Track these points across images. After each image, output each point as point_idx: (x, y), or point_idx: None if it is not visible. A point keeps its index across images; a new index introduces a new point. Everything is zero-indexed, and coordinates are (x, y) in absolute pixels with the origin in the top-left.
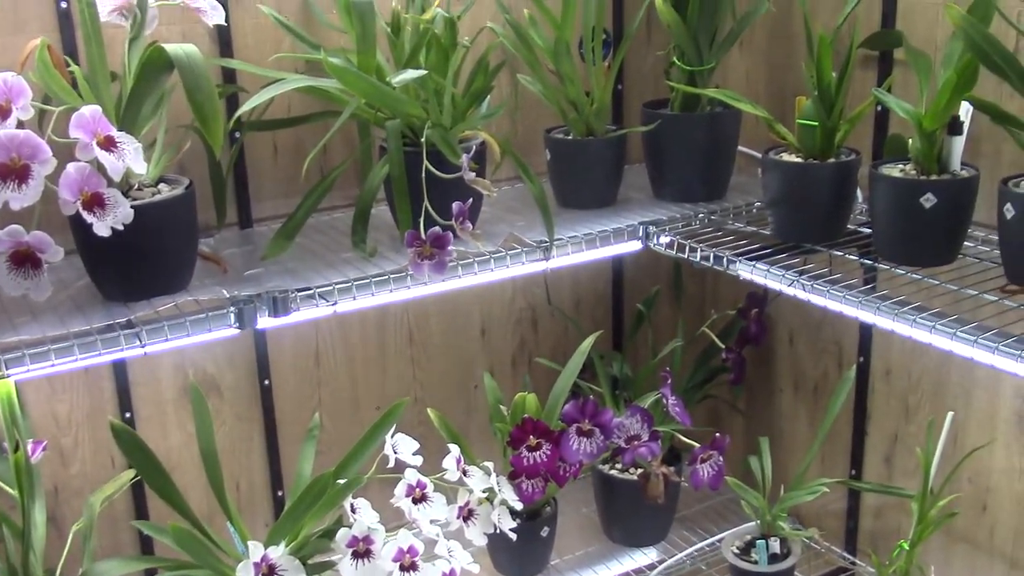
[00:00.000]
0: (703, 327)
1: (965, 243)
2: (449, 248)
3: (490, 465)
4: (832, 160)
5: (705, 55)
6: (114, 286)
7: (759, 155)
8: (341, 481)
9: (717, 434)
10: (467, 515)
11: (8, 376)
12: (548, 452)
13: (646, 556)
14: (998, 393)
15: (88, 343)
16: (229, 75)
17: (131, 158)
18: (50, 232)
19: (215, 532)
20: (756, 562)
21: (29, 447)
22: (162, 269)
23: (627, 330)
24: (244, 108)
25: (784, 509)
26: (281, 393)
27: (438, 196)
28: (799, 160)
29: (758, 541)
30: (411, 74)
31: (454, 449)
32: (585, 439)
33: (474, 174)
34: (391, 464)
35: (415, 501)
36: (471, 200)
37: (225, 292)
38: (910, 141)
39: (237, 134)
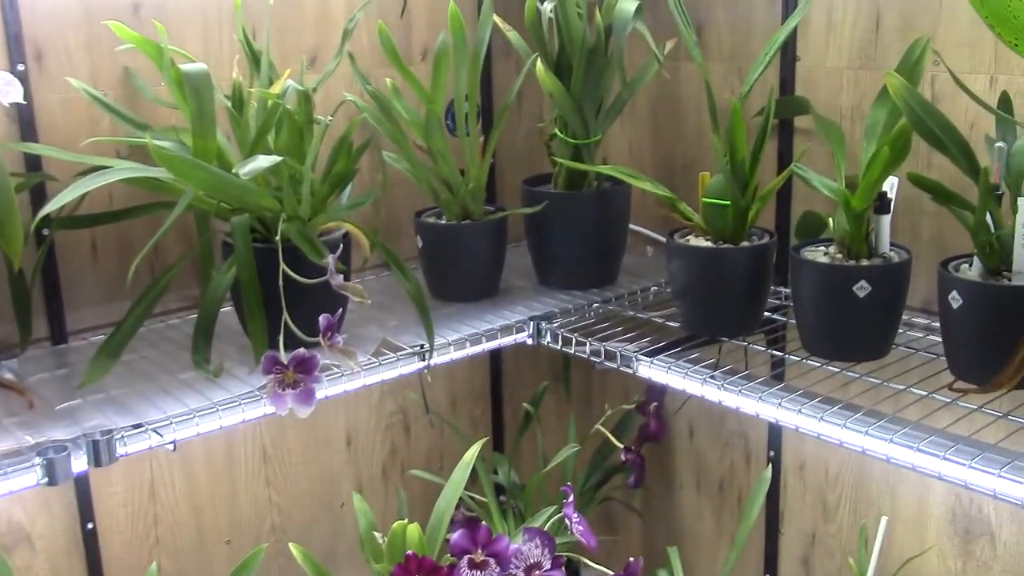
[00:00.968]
0: (597, 424)
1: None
2: (317, 373)
3: None
4: (747, 244)
5: (591, 126)
6: None
7: (654, 234)
8: None
9: (631, 559)
10: None
11: None
12: None
13: None
14: (929, 489)
15: None
16: (33, 161)
17: None
18: None
19: None
20: None
21: None
22: None
23: (511, 430)
24: (51, 207)
25: None
26: (108, 537)
27: (299, 304)
28: (710, 244)
29: None
30: (261, 162)
31: None
32: (479, 572)
33: (342, 276)
34: None
35: None
36: (340, 311)
37: (29, 437)
38: (831, 221)
39: (46, 231)
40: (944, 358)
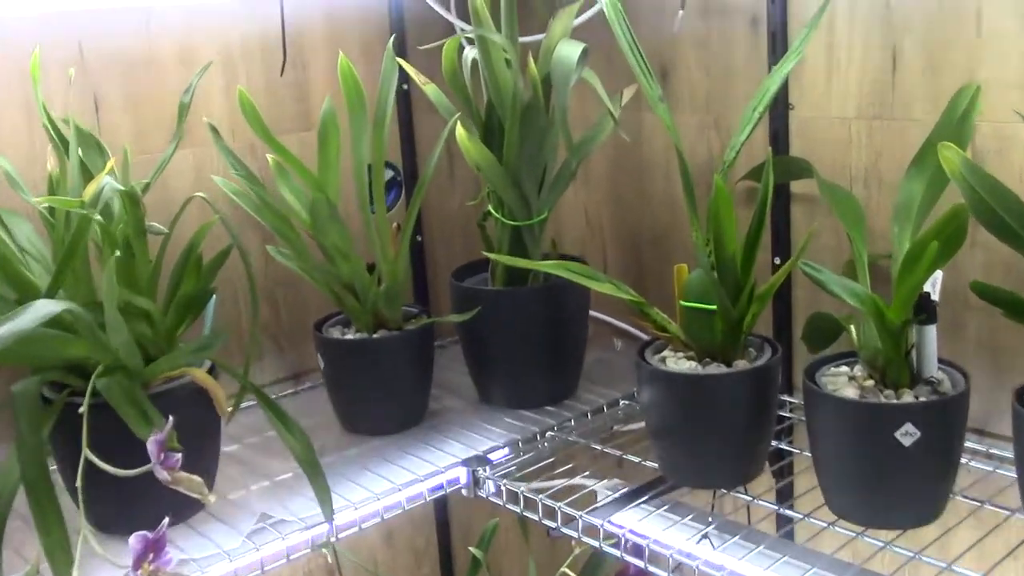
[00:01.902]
0: (562, 567)
1: None
2: None
3: None
4: (742, 362)
5: (533, 203)
6: None
7: (622, 324)
8: None
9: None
10: None
11: None
12: None
13: None
14: None
15: None
16: None
17: None
18: None
19: None
20: None
21: None
22: None
23: None
24: None
25: None
26: None
27: (116, 501)
28: (693, 366)
29: None
30: (23, 323)
31: None
32: None
33: (177, 458)
34: None
35: None
36: (167, 518)
37: None
38: (853, 331)
39: None
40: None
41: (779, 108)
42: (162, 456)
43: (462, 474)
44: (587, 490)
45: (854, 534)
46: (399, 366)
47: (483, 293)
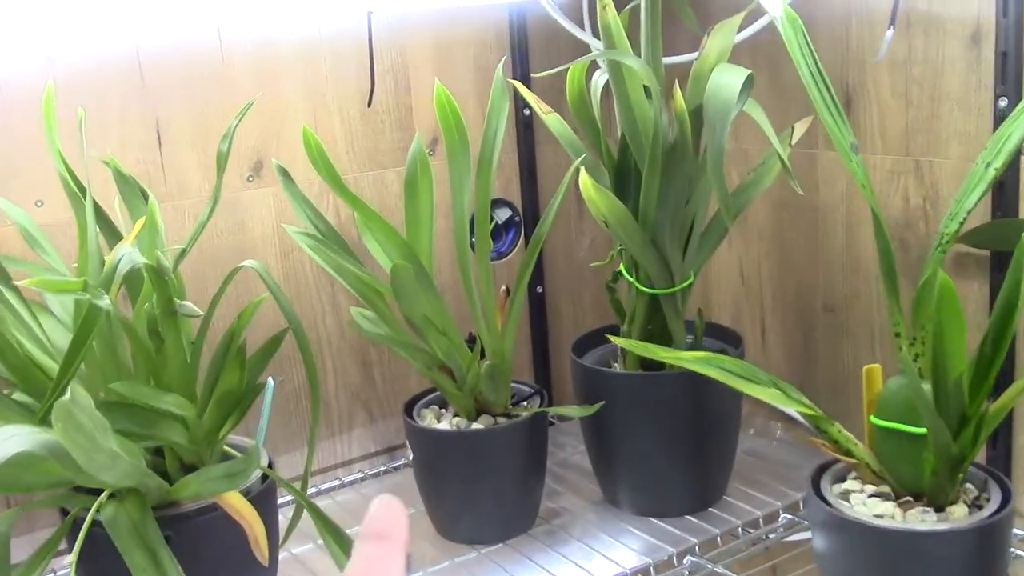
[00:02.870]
0: None
1: None
2: None
3: None
4: (961, 510)
5: (676, 265)
6: None
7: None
8: None
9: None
10: None
11: None
12: None
13: None
14: None
15: None
16: None
17: None
18: None
19: None
20: None
21: None
22: None
23: None
24: None
25: None
26: None
27: None
28: (891, 514)
29: None
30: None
31: None
32: None
33: None
34: None
35: None
36: None
37: None
38: None
39: None
40: None
41: None
42: None
43: None
44: None
45: None
46: (503, 462)
47: (611, 378)
